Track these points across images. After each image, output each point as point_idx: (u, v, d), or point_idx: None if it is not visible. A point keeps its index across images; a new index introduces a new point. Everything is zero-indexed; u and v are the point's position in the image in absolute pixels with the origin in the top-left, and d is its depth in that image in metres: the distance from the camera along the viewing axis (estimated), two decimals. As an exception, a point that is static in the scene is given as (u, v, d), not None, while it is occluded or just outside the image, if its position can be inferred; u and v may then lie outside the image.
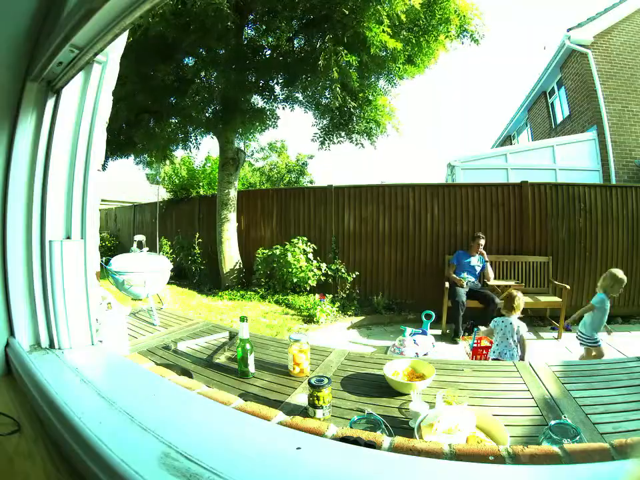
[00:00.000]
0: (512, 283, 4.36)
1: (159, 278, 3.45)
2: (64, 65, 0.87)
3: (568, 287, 4.12)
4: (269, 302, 5.16)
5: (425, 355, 3.27)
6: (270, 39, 5.41)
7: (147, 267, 3.25)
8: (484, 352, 3.09)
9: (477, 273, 4.35)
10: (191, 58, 5.34)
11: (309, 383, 1.17)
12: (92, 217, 1.08)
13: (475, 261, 4.36)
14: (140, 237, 4.16)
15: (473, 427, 1.01)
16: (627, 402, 1.10)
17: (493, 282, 4.38)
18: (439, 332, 4.18)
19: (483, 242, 4.33)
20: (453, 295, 4.13)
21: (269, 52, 5.33)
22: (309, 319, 4.52)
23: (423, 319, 3.47)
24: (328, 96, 5.18)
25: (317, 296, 4.89)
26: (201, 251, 6.48)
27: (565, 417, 1.01)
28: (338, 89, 4.48)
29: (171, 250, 6.89)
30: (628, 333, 4.10)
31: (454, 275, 4.32)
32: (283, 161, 12.62)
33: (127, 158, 6.56)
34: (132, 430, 0.61)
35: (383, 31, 4.02)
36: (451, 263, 4.51)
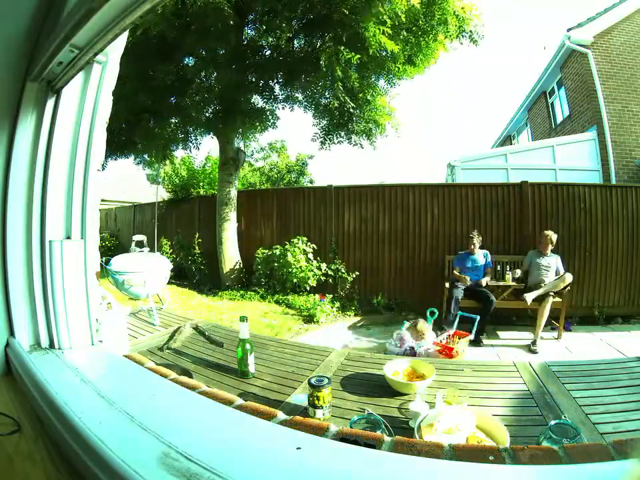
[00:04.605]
0: (512, 283, 4.36)
1: (159, 278, 3.45)
2: (64, 65, 0.87)
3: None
4: (269, 302, 5.16)
5: (427, 350, 3.23)
6: (270, 39, 5.41)
7: (147, 267, 3.25)
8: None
9: (479, 271, 4.34)
10: (191, 58, 5.34)
11: (309, 382, 1.17)
12: (92, 217, 1.08)
13: (477, 259, 4.34)
14: (139, 237, 4.15)
15: (473, 427, 1.01)
16: (626, 402, 1.10)
17: (492, 282, 4.38)
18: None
19: (475, 240, 4.30)
20: (449, 292, 4.16)
21: (268, 52, 5.33)
22: (309, 319, 4.52)
23: (427, 315, 3.54)
24: (328, 96, 5.18)
25: (317, 296, 4.89)
26: (201, 251, 6.48)
27: (565, 416, 1.01)
28: (341, 86, 4.48)
29: (171, 250, 6.89)
30: (628, 333, 4.10)
31: (457, 273, 4.32)
32: (282, 160, 12.61)
33: (127, 158, 6.56)
34: (132, 430, 0.61)
35: (383, 33, 4.02)
36: (454, 266, 4.49)
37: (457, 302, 4.04)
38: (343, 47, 4.22)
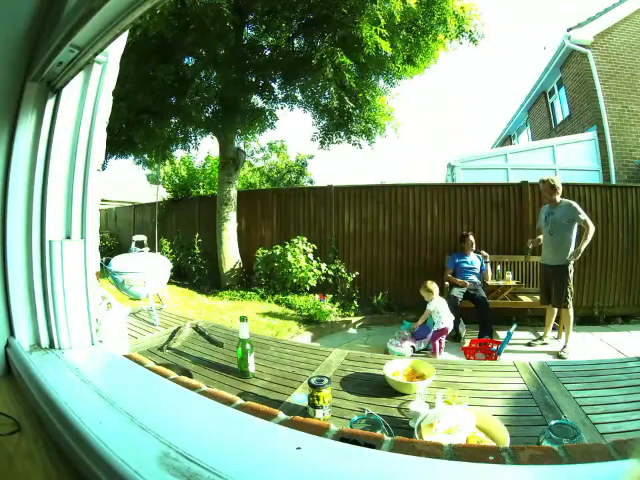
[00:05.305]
0: (512, 282, 4.36)
1: (159, 278, 3.45)
2: (64, 65, 0.87)
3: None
4: (269, 302, 5.15)
5: (425, 349, 3.36)
6: (270, 39, 5.41)
7: (147, 267, 3.25)
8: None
9: (477, 272, 4.28)
10: (190, 58, 5.34)
11: (309, 383, 1.18)
12: (92, 217, 1.08)
13: (472, 260, 4.28)
14: (139, 237, 4.15)
15: (473, 427, 1.01)
16: (627, 402, 1.10)
17: (492, 282, 4.37)
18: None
19: (472, 239, 4.27)
20: (448, 296, 4.06)
21: (268, 52, 5.33)
22: (309, 319, 4.52)
23: (403, 321, 3.68)
24: (327, 96, 5.18)
25: (317, 296, 4.88)
26: (201, 251, 6.48)
27: (565, 416, 1.01)
28: (332, 88, 4.49)
29: (171, 250, 6.89)
30: (628, 333, 4.10)
31: (452, 277, 4.24)
32: (282, 160, 12.61)
33: (127, 158, 6.56)
34: (132, 430, 0.61)
35: (380, 35, 4.02)
36: (448, 267, 4.39)
37: (456, 306, 3.89)
38: (339, 48, 4.22)
